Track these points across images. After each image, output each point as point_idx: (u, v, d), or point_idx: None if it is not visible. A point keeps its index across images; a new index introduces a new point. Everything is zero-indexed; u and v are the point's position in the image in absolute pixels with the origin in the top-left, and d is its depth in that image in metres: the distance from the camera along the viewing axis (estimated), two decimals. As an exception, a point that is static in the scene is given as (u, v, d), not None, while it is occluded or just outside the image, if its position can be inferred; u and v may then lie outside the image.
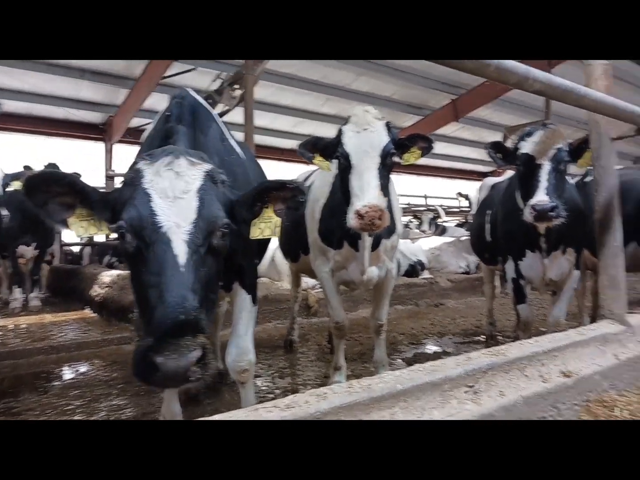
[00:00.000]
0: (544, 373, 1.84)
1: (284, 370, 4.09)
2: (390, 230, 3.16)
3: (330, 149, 2.75)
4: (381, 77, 11.11)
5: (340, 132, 2.71)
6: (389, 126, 2.68)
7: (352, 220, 2.47)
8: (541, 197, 2.77)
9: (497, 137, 12.57)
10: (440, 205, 12.29)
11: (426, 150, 2.74)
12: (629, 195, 4.08)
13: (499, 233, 3.81)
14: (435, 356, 4.48)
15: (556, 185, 2.86)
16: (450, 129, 14.05)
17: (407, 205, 13.62)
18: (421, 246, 8.64)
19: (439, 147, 15.28)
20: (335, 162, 2.79)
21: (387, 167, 2.64)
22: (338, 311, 3.38)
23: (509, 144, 3.41)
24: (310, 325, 5.76)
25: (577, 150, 2.96)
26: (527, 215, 2.82)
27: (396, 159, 2.70)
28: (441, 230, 10.04)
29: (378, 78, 11.17)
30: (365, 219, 2.40)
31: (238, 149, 2.78)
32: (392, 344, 4.87)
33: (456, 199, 12.02)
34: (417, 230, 10.73)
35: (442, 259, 8.38)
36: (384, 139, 2.62)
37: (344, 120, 2.78)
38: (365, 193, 2.48)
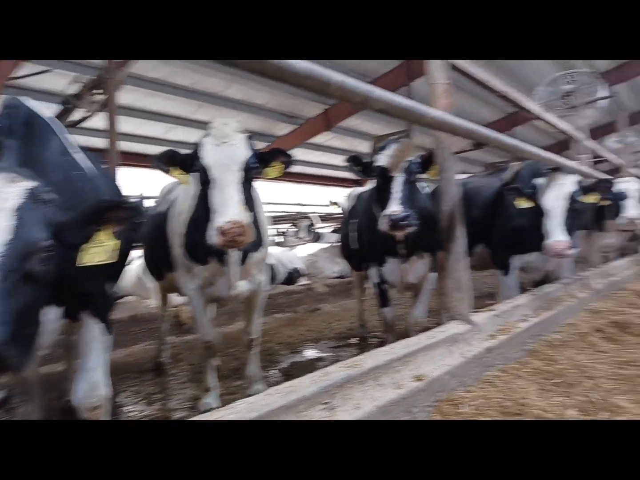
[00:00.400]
0: (398, 380, 1.93)
1: (153, 395, 3.83)
2: (259, 243, 3.13)
3: (188, 162, 2.64)
4: (254, 85, 11.09)
5: (198, 145, 2.62)
6: (249, 139, 2.65)
7: (214, 237, 2.39)
8: (394, 207, 2.94)
9: (367, 146, 13.24)
10: (315, 212, 12.61)
11: (287, 165, 2.76)
12: (475, 202, 4.54)
13: (362, 241, 3.98)
14: (311, 363, 4.55)
15: (409, 196, 3.06)
16: (323, 138, 14.47)
17: (284, 213, 13.75)
18: (298, 253, 8.79)
19: (313, 156, 15.79)
20: (195, 175, 2.69)
21: (249, 181, 2.60)
22: (207, 329, 3.26)
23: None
24: (184, 343, 5.52)
25: (427, 162, 3.19)
26: (383, 224, 2.97)
27: (258, 172, 2.68)
28: (317, 237, 10.30)
29: (250, 86, 11.14)
30: (227, 236, 2.33)
31: (86, 163, 2.53)
32: (269, 354, 4.85)
33: (329, 206, 12.42)
34: (295, 238, 10.89)
35: (318, 265, 8.60)
36: (244, 152, 2.57)
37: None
38: (227, 208, 2.41)
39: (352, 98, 1.60)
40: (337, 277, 8.78)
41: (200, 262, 3.03)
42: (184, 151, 2.71)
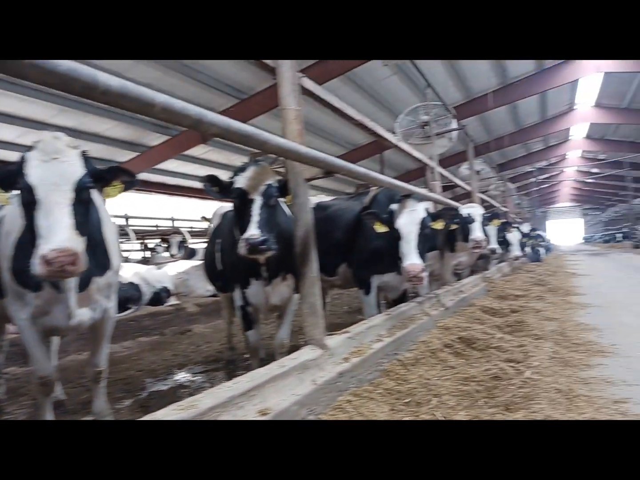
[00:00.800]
0: (240, 417, 1.83)
1: (-23, 441, 3.29)
2: (105, 267, 2.90)
3: (10, 179, 2.31)
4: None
5: (22, 160, 2.30)
6: (85, 156, 2.40)
7: (37, 267, 2.10)
8: (253, 231, 2.86)
9: (245, 160, 13.11)
10: (191, 227, 12.16)
11: (130, 185, 2.55)
12: (338, 224, 4.67)
13: (226, 263, 3.86)
14: (172, 391, 4.28)
15: (267, 219, 2.99)
16: (200, 151, 14.10)
17: (153, 228, 13.05)
18: (167, 272, 8.32)
19: (189, 168, 15.28)
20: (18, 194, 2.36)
21: (83, 203, 2.35)
22: (42, 364, 2.90)
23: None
24: (30, 374, 4.87)
25: (284, 187, 3.17)
26: (241, 248, 2.88)
27: (96, 193, 2.43)
28: (190, 253, 9.87)
29: (118, 93, 10.49)
30: (53, 266, 2.06)
31: None
32: (128, 383, 4.51)
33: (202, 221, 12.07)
34: (166, 254, 10.34)
35: (189, 283, 8.24)
36: (77, 170, 2.31)
37: (80, 133, 2.39)
38: (54, 234, 2.14)
39: (181, 121, 1.49)
40: (210, 296, 8.50)
41: (31, 289, 2.69)
42: (4, 166, 2.37)
